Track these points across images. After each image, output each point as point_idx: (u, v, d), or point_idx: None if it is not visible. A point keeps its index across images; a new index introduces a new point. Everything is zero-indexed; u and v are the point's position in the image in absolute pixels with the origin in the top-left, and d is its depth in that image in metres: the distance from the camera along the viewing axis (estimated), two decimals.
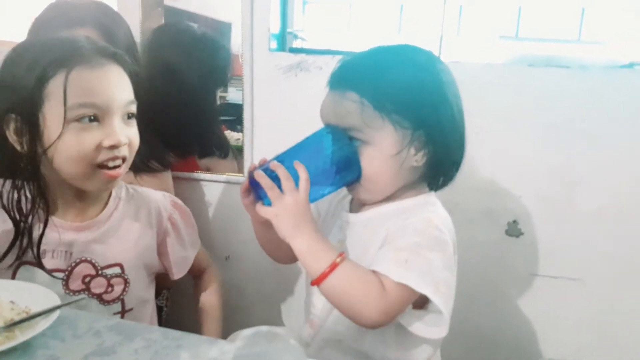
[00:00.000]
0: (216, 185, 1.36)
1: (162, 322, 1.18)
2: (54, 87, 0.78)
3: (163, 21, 1.33)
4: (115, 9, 1.25)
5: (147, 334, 0.68)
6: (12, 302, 0.71)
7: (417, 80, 0.75)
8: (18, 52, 0.83)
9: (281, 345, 0.44)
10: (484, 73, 1.14)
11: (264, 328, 0.47)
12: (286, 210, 0.69)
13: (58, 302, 0.69)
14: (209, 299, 1.07)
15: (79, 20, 1.05)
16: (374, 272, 0.69)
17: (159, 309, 1.18)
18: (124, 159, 0.84)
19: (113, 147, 0.82)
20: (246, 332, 0.47)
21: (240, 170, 1.33)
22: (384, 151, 0.74)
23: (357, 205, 0.84)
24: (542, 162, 1.13)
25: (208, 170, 1.36)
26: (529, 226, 1.17)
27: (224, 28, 1.32)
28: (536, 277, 1.18)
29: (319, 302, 0.84)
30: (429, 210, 0.77)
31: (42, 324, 0.65)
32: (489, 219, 1.18)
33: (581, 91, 1.09)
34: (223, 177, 1.34)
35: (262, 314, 1.40)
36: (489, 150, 1.15)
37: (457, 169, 0.82)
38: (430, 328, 0.73)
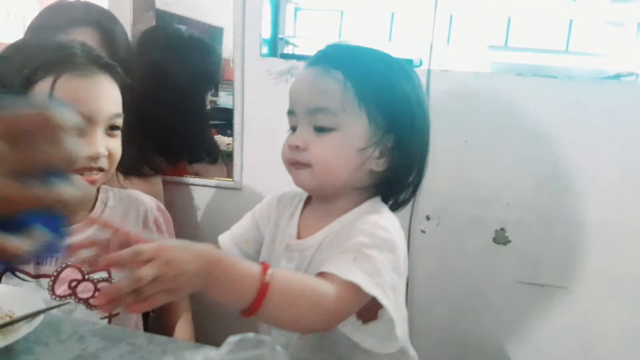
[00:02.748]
0: (205, 190, 1.35)
1: (148, 328, 1.16)
2: (40, 91, 0.77)
3: (154, 24, 1.33)
4: None
5: (132, 339, 0.68)
6: None
7: (404, 85, 0.74)
8: (10, 52, 0.82)
9: (267, 351, 0.44)
10: (473, 82, 1.15)
11: (250, 334, 0.46)
12: (170, 272, 0.52)
13: (42, 306, 0.69)
14: (186, 332, 1.05)
15: (77, 20, 1.05)
16: (320, 273, 0.64)
17: (146, 315, 1.17)
18: (100, 170, 0.83)
19: (90, 158, 0.81)
20: (232, 339, 0.46)
21: (229, 175, 1.32)
22: (350, 142, 0.71)
23: (305, 230, 0.79)
24: (530, 170, 1.14)
25: (197, 174, 1.35)
26: (516, 234, 1.17)
27: (215, 32, 1.32)
28: (523, 285, 1.19)
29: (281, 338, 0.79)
30: (374, 214, 0.73)
31: (25, 329, 0.64)
32: (476, 226, 1.19)
33: (568, 101, 1.10)
34: (212, 182, 1.34)
35: (249, 320, 1.39)
36: (476, 158, 1.16)
37: (414, 191, 0.79)
38: (381, 342, 0.67)
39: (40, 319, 0.66)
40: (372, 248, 0.65)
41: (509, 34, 1.34)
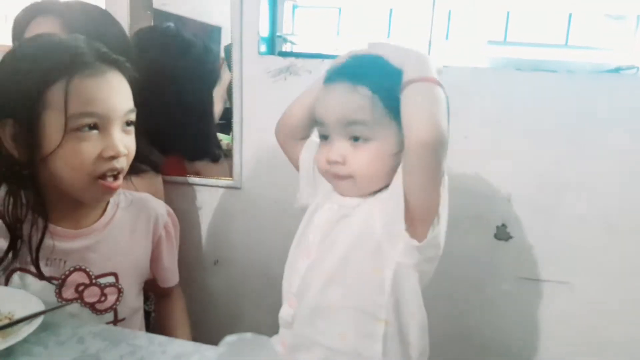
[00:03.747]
0: (206, 189, 1.35)
1: (149, 327, 1.17)
2: (55, 95, 0.76)
3: (152, 24, 1.33)
4: None
5: (132, 340, 0.68)
6: None
7: None
8: (17, 56, 0.81)
9: (265, 352, 0.44)
10: (473, 77, 1.14)
11: (247, 334, 0.46)
12: None
13: (42, 307, 0.69)
14: (183, 332, 1.04)
15: (41, 10, 1.05)
16: None
17: (147, 314, 1.17)
18: (120, 171, 0.83)
19: (113, 158, 0.80)
20: (230, 339, 0.46)
21: (230, 173, 1.32)
22: (386, 149, 0.76)
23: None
24: (531, 165, 1.14)
25: (197, 174, 1.35)
26: (518, 230, 1.17)
27: (213, 31, 1.31)
28: (525, 281, 1.18)
29: (296, 280, 0.83)
30: None
31: (25, 330, 0.64)
32: (477, 222, 1.18)
33: (568, 95, 1.10)
34: (212, 181, 1.33)
35: (250, 318, 1.39)
36: (477, 153, 1.15)
37: None
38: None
39: (40, 320, 0.66)
40: None
41: (508, 29, 1.33)
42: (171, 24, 1.33)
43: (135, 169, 1.08)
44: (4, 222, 0.81)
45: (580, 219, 1.13)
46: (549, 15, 1.30)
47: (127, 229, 0.92)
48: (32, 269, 0.83)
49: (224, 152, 1.35)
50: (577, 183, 1.12)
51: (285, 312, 0.86)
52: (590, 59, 1.25)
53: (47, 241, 0.83)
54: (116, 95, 0.82)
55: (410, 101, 0.69)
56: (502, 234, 1.18)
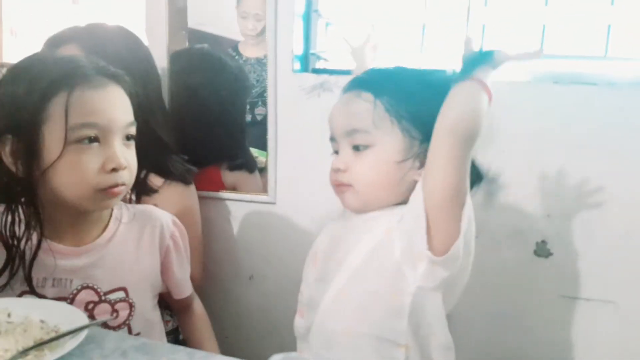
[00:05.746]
0: (241, 205, 1.37)
1: (179, 341, 1.17)
2: (55, 108, 0.77)
3: (187, 44, 1.37)
4: (144, 32, 1.29)
5: (172, 355, 0.69)
6: (42, 321, 0.72)
7: (437, 97, 0.74)
8: (16, 72, 0.82)
9: None
10: (509, 91, 1.12)
11: (293, 354, 0.46)
12: None
13: (86, 321, 0.70)
14: (211, 350, 1.01)
15: (63, 39, 1.08)
16: None
17: (177, 329, 1.17)
18: (122, 185, 0.82)
19: (114, 170, 0.80)
20: (276, 357, 0.46)
21: (264, 189, 1.34)
22: (388, 156, 0.75)
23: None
24: (570, 180, 1.11)
25: (234, 188, 1.37)
26: (558, 246, 1.14)
27: None
28: (567, 300, 1.15)
29: (305, 290, 0.84)
30: None
31: (70, 344, 0.66)
32: (516, 239, 1.16)
33: (609, 108, 1.07)
34: (248, 197, 1.35)
35: (285, 334, 1.39)
36: (514, 169, 1.13)
37: None
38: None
39: (84, 333, 0.68)
40: None
41: (544, 41, 1.31)
42: (206, 45, 1.37)
43: (146, 189, 1.07)
44: (1, 240, 0.82)
45: (624, 235, 1.09)
46: (587, 27, 1.27)
47: (132, 243, 0.91)
48: (40, 291, 0.82)
49: (257, 166, 1.37)
50: (620, 198, 1.08)
51: (297, 323, 0.87)
52: (631, 70, 1.22)
53: (49, 260, 0.83)
54: (116, 107, 0.82)
55: (450, 96, 0.69)
56: (542, 250, 1.15)
